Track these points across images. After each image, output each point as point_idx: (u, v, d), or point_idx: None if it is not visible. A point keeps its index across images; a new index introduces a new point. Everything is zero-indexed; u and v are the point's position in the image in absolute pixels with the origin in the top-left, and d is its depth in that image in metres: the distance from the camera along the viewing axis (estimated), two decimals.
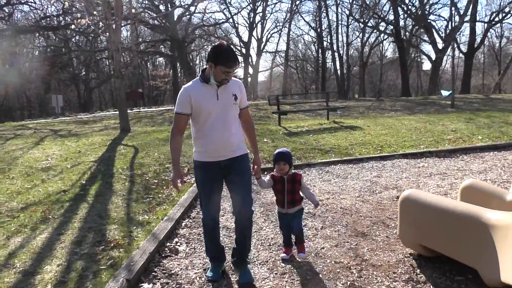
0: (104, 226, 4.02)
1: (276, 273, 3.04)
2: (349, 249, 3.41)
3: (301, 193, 3.26)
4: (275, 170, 3.21)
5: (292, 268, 3.12)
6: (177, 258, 3.38)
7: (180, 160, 2.84)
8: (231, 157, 2.80)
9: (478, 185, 3.38)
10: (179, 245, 3.63)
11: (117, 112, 17.56)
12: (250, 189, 2.89)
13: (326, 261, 3.21)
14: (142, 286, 2.90)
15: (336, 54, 36.02)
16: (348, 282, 2.87)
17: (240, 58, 35.63)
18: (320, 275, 2.98)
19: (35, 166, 6.76)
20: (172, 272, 3.13)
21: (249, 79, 38.57)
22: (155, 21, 27.71)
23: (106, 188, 5.39)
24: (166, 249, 3.52)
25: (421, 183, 5.35)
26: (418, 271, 3.01)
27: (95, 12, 9.97)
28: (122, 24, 13.42)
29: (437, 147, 7.57)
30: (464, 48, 29.86)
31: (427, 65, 42.50)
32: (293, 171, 3.19)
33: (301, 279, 2.94)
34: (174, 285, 2.92)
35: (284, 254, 3.26)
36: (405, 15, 31.27)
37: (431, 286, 2.79)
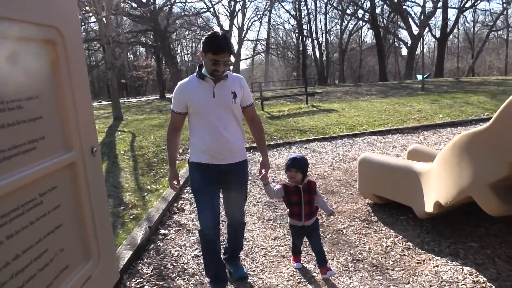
0: (120, 193, 4.84)
1: (263, 220, 3.93)
2: None
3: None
4: (287, 178, 2.87)
5: (275, 216, 4.01)
6: (184, 214, 4.24)
7: (176, 159, 2.73)
8: (232, 162, 2.57)
9: (419, 149, 4.33)
10: (184, 205, 4.48)
11: (102, 103, 18.10)
12: (245, 199, 2.80)
13: None
14: (160, 231, 3.75)
15: (315, 41, 36.95)
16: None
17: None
18: None
19: None
20: (182, 223, 3.99)
21: (231, 67, 39.16)
22: (136, 12, 28.01)
23: (113, 166, 6.18)
24: (174, 208, 4.38)
25: (384, 154, 6.29)
26: (372, 214, 3.94)
27: (87, 8, 10.56)
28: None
29: (403, 125, 8.57)
30: (437, 33, 31.13)
31: (405, 51, 43.79)
32: (307, 179, 2.82)
33: (282, 223, 3.83)
34: (184, 231, 3.78)
35: (297, 263, 3.00)
36: (381, 2, 32.30)
37: (381, 223, 3.72)
